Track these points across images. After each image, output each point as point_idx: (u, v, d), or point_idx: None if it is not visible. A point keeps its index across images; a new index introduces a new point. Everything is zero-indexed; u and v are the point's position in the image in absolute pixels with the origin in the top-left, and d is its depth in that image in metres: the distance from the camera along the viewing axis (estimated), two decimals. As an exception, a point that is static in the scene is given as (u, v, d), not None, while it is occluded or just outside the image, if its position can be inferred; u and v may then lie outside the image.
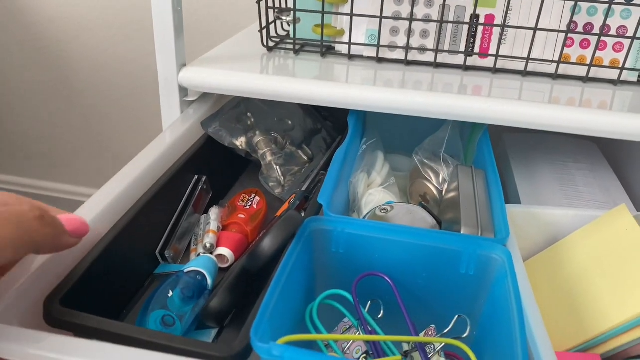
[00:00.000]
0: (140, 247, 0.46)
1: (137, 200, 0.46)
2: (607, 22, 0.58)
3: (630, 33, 0.57)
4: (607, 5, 0.56)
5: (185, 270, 0.43)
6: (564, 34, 0.58)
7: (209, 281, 0.43)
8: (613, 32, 0.59)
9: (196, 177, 0.52)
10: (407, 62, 0.61)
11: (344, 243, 0.43)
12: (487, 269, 0.40)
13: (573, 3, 0.56)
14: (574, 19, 0.58)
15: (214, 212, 0.50)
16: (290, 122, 0.62)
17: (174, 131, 0.54)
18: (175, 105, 0.56)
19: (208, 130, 0.55)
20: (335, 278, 0.44)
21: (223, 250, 0.48)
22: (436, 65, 0.61)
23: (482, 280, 0.40)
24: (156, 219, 0.48)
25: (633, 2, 0.57)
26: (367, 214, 0.48)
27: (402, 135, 0.64)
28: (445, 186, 0.55)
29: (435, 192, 0.56)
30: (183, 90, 0.56)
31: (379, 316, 0.41)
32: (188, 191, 0.51)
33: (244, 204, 0.54)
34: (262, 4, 0.61)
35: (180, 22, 0.54)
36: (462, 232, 0.42)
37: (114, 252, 0.41)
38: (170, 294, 0.40)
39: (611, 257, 0.42)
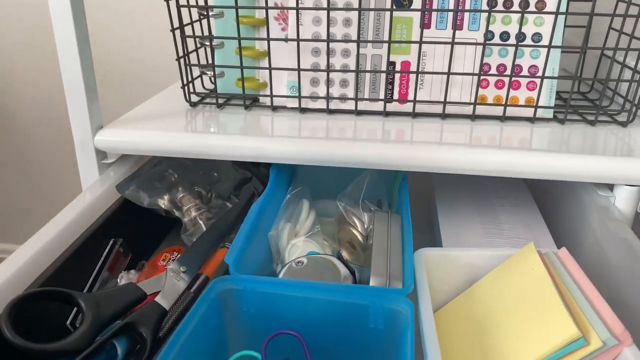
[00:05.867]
0: (51, 317, 0.45)
1: (48, 267, 0.46)
2: (518, 63, 0.60)
3: (540, 72, 0.60)
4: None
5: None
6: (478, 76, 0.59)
7: (119, 351, 0.42)
8: (525, 72, 0.61)
9: (112, 239, 0.51)
10: (330, 111, 0.62)
11: (254, 302, 0.42)
12: (395, 322, 0.39)
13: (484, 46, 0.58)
14: (487, 61, 0.60)
15: (123, 277, 0.50)
16: (216, 175, 0.62)
17: (92, 193, 0.53)
18: (93, 168, 0.55)
19: (124, 193, 0.54)
20: (249, 338, 0.43)
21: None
22: (358, 112, 0.62)
23: (391, 334, 0.40)
24: (69, 286, 0.46)
25: (540, 44, 0.59)
26: (283, 268, 0.47)
27: (331, 180, 0.65)
28: (369, 232, 0.55)
29: (360, 238, 0.56)
30: (101, 153, 0.56)
31: (291, 376, 0.40)
32: (103, 255, 0.50)
33: (164, 263, 0.53)
34: (182, 60, 0.62)
35: (92, 84, 0.54)
36: (371, 283, 0.42)
37: (20, 323, 0.40)
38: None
39: (519, 297, 0.42)
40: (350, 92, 0.62)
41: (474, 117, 0.61)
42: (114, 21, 1.07)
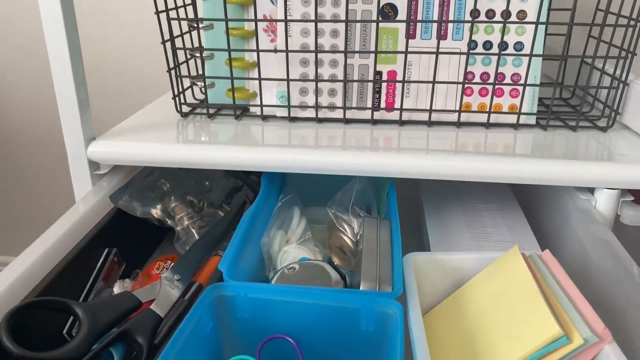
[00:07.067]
0: (47, 326, 0.46)
1: (44, 277, 0.46)
2: (500, 71, 0.62)
3: (523, 80, 0.61)
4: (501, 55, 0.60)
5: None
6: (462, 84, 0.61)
7: (115, 358, 0.43)
8: (508, 79, 0.62)
9: (106, 249, 0.52)
10: (319, 120, 0.64)
11: (248, 308, 0.43)
12: (385, 325, 0.41)
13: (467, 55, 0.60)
14: (471, 70, 0.62)
15: (117, 286, 0.51)
16: (207, 184, 0.63)
17: (85, 204, 0.54)
18: (86, 179, 0.56)
19: (118, 203, 0.55)
20: (243, 343, 0.44)
21: (135, 322, 0.48)
22: (346, 121, 0.63)
23: (382, 336, 0.41)
24: (64, 295, 0.47)
25: (522, 52, 0.61)
26: (276, 274, 0.48)
27: (322, 187, 0.66)
28: (359, 238, 0.56)
29: (350, 244, 0.57)
30: (93, 164, 0.57)
31: (284, 379, 0.41)
32: (98, 265, 0.51)
33: (158, 271, 0.54)
34: (173, 72, 0.63)
35: (85, 96, 0.55)
36: (361, 287, 0.43)
37: (18, 333, 0.41)
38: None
39: (504, 299, 0.43)
40: (338, 101, 0.63)
41: (459, 124, 0.63)
42: (104, 33, 1.08)
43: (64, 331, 0.46)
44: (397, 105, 0.63)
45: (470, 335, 0.43)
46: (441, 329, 0.46)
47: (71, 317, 0.47)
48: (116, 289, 0.51)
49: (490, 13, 0.60)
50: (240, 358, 0.42)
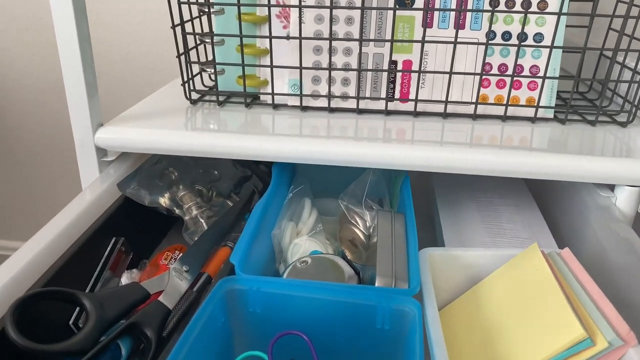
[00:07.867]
0: (53, 316, 0.44)
1: (50, 266, 0.45)
2: (519, 63, 0.60)
3: (542, 72, 0.60)
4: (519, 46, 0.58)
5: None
6: (479, 76, 0.59)
7: (123, 351, 0.42)
8: (526, 71, 0.61)
9: (114, 238, 0.51)
10: (331, 110, 0.62)
11: (260, 302, 0.42)
12: (402, 323, 0.40)
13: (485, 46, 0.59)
14: (489, 61, 0.60)
15: (126, 277, 0.49)
16: (216, 173, 0.62)
17: (92, 192, 0.53)
18: (94, 166, 0.55)
19: (126, 191, 0.54)
20: (254, 338, 0.43)
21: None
22: (359, 111, 0.62)
23: (398, 334, 0.40)
24: (71, 285, 0.46)
25: (542, 44, 0.59)
26: (288, 267, 0.47)
27: (333, 179, 0.65)
28: (372, 231, 0.55)
29: (362, 237, 0.56)
30: (101, 151, 0.56)
31: (297, 376, 0.40)
32: (105, 254, 0.50)
33: (166, 262, 0.53)
34: (183, 57, 0.61)
35: (93, 80, 0.53)
36: (377, 283, 0.42)
37: (24, 324, 0.40)
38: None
39: (523, 298, 0.42)
40: (351, 90, 0.62)
41: (475, 116, 0.61)
42: (112, 18, 1.06)
43: (71, 322, 0.45)
44: (411, 95, 0.61)
45: (488, 334, 0.42)
46: (457, 327, 0.45)
47: (78, 308, 0.46)
48: (124, 280, 0.50)
49: (510, 3, 0.59)
50: (252, 354, 0.41)
